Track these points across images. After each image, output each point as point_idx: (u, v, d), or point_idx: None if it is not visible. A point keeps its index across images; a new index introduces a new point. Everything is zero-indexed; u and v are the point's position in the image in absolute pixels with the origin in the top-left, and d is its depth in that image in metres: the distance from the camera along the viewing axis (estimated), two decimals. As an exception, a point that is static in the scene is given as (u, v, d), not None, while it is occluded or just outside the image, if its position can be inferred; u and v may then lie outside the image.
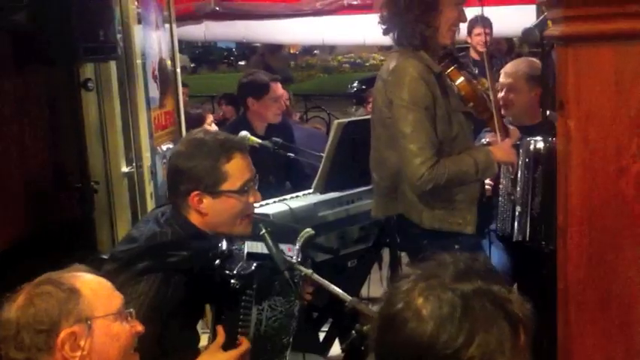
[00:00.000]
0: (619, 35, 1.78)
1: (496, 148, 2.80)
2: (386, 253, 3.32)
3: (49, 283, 1.63)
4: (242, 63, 27.41)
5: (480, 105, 2.82)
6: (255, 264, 2.14)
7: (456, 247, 2.68)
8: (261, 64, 8.03)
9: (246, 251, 2.18)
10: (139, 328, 1.72)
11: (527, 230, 3.20)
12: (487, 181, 3.19)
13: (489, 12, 5.91)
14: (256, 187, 2.22)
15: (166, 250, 2.05)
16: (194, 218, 2.14)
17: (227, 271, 2.12)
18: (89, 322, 1.61)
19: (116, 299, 1.70)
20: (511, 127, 3.06)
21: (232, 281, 2.10)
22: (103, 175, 3.48)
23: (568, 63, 1.84)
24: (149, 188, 3.59)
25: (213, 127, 4.91)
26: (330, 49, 25.90)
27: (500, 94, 3.42)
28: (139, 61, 3.67)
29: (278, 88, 4.37)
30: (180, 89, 4.39)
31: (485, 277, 1.24)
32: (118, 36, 3.40)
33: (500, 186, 3.29)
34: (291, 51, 29.60)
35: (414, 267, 1.31)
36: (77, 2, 2.93)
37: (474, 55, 5.80)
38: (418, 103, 2.62)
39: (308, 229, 2.32)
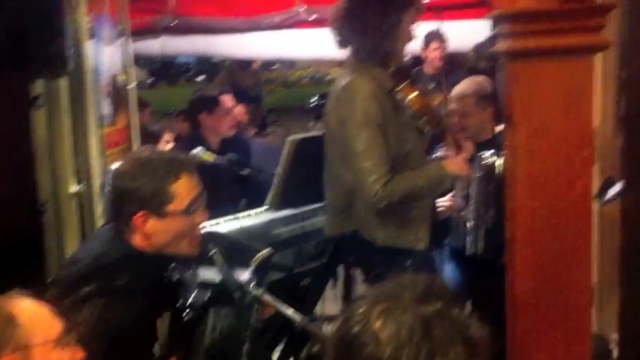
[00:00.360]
0: (566, 50, 1.80)
1: (449, 162, 2.80)
2: (341, 270, 3.30)
3: None
4: (201, 77, 27.22)
5: (433, 120, 2.82)
6: (208, 293, 2.09)
7: (409, 262, 2.68)
8: (227, 82, 7.90)
9: (198, 280, 2.14)
10: (80, 354, 1.66)
11: (480, 244, 3.21)
12: (444, 201, 3.20)
13: (448, 26, 5.97)
14: (204, 206, 2.17)
15: (109, 274, 1.98)
16: (138, 239, 2.08)
17: (179, 303, 2.07)
18: (26, 351, 1.55)
19: (56, 325, 1.64)
20: (465, 142, 3.06)
21: (184, 314, 2.05)
22: (52, 194, 3.39)
23: (516, 78, 1.86)
24: (99, 207, 3.51)
25: (170, 145, 4.85)
26: (290, 63, 25.87)
27: (453, 119, 3.44)
28: (90, 77, 3.60)
29: (228, 101, 4.36)
30: (134, 106, 4.32)
31: (444, 299, 1.22)
32: (70, 51, 3.33)
33: (454, 201, 3.29)
34: (252, 65, 29.63)
35: (372, 287, 1.28)
36: (27, 16, 2.86)
37: (428, 69, 5.84)
38: (370, 121, 2.62)
39: (264, 252, 2.28)
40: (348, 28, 2.76)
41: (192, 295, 2.08)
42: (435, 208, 3.02)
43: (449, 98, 3.58)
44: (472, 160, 3.10)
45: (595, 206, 3.05)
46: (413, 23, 2.77)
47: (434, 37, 5.69)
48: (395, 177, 2.62)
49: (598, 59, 3.09)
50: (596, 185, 2.91)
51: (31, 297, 1.67)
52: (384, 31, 2.68)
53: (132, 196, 2.05)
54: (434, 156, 3.12)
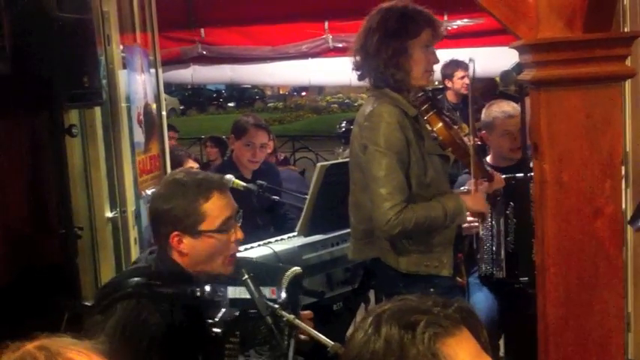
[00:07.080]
0: (587, 79, 1.82)
1: (467, 197, 2.78)
2: (372, 295, 3.31)
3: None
4: (231, 104, 27.51)
5: (459, 150, 2.81)
6: (238, 311, 2.13)
7: (432, 290, 2.68)
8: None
9: (228, 297, 2.18)
10: None
11: (504, 267, 3.23)
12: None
13: (476, 53, 6.02)
14: (239, 224, 2.22)
15: (148, 280, 2.06)
16: (177, 258, 2.16)
17: (209, 319, 2.11)
18: None
19: None
20: (496, 173, 3.03)
21: (215, 329, 2.09)
22: (87, 220, 3.48)
23: (540, 107, 1.88)
24: (133, 233, 3.57)
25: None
26: (319, 89, 26.06)
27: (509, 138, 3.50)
28: (123, 106, 3.69)
29: (257, 135, 4.23)
30: (166, 133, 4.39)
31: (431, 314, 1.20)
32: (103, 81, 3.42)
33: (480, 229, 3.30)
34: (281, 92, 29.92)
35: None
36: (61, 48, 2.94)
37: (451, 98, 5.84)
38: (391, 149, 2.63)
39: (294, 268, 2.31)
40: (361, 59, 2.79)
41: (223, 312, 2.12)
42: (461, 232, 3.01)
43: (501, 120, 3.58)
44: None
45: (629, 232, 3.04)
46: (427, 48, 2.77)
47: (460, 65, 5.71)
48: (409, 206, 2.61)
49: (627, 84, 3.11)
50: (630, 210, 2.90)
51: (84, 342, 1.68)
52: (392, 62, 2.69)
53: (165, 218, 2.13)
54: (460, 188, 3.11)
